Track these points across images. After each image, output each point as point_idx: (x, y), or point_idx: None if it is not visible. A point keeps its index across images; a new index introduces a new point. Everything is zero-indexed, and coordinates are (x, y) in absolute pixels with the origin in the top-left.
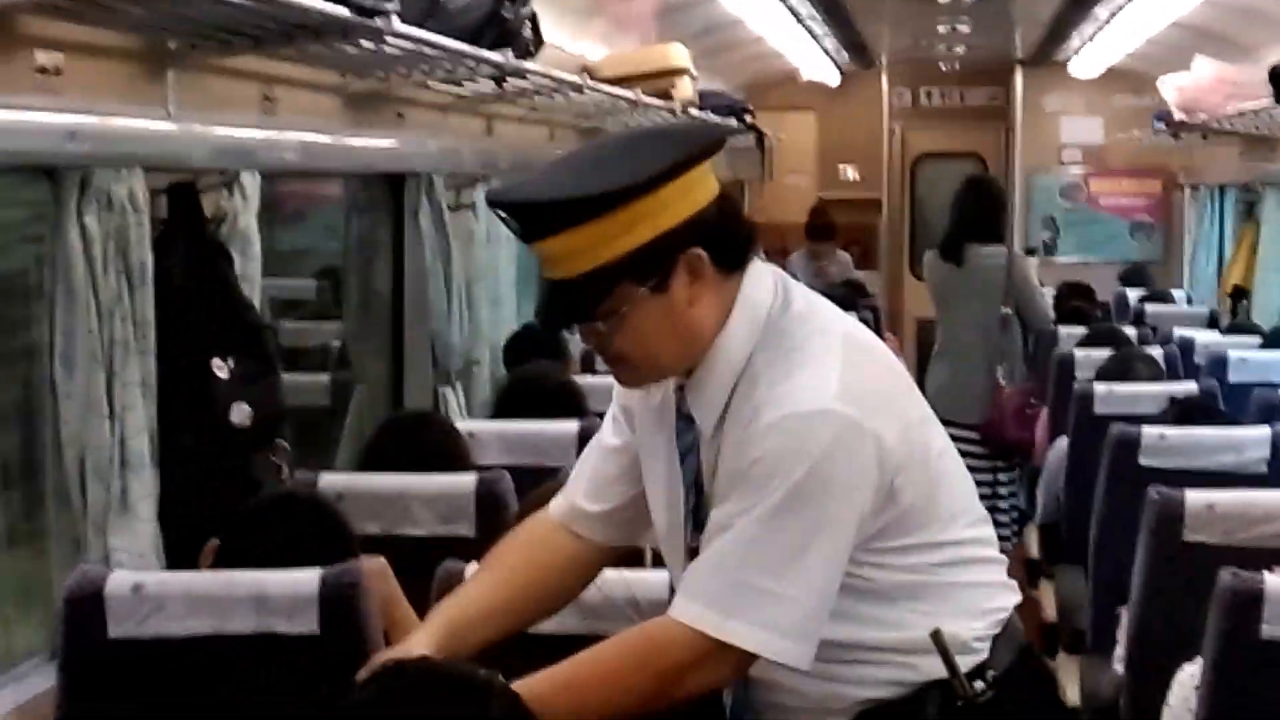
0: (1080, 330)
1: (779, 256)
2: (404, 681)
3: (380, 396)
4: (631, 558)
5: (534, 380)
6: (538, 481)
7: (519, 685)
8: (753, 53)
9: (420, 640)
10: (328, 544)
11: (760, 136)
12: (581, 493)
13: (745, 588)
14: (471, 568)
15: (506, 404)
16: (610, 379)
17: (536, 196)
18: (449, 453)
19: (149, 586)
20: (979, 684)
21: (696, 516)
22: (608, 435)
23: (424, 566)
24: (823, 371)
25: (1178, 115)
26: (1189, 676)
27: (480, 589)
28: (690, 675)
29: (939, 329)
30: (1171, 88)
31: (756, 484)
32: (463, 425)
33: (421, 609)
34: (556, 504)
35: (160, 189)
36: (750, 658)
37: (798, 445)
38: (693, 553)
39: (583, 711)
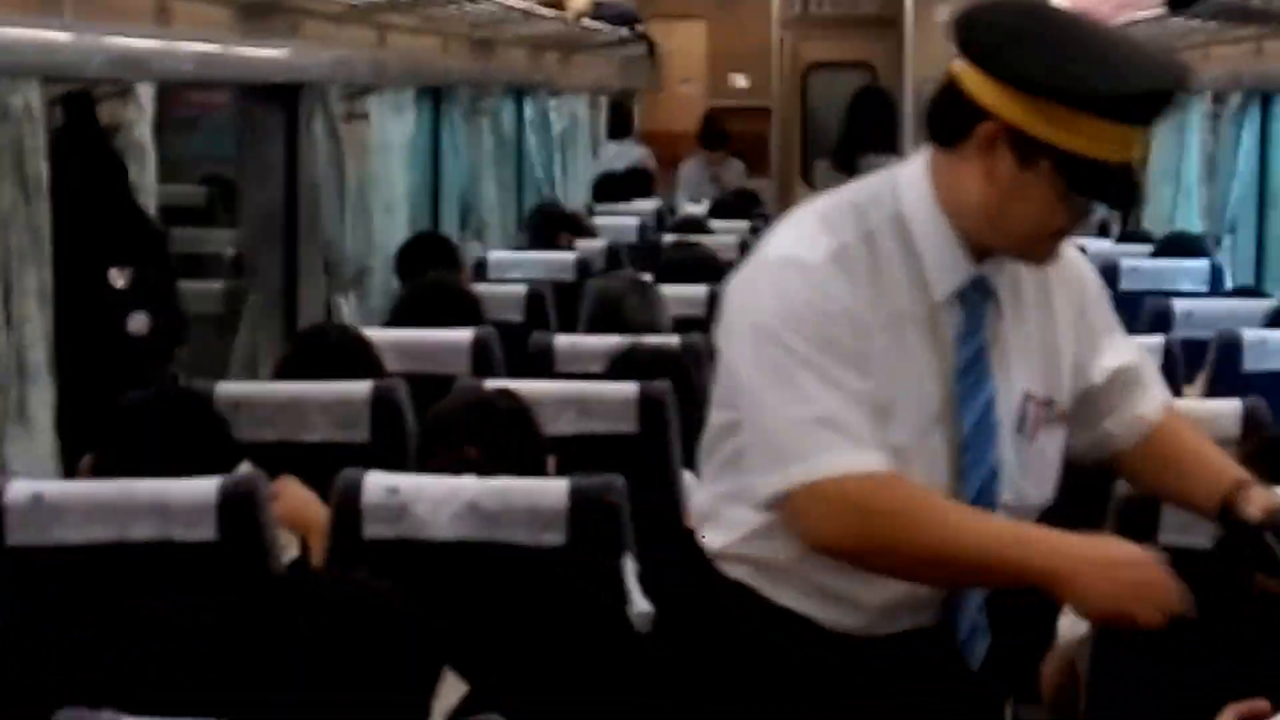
0: None
1: (669, 165)
2: (302, 593)
3: (274, 304)
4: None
5: (431, 288)
6: (433, 389)
7: None
8: None
9: None
10: (203, 444)
11: (650, 46)
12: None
13: None
14: (371, 475)
15: (403, 312)
16: (506, 288)
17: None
18: (364, 363)
19: (49, 495)
20: None
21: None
22: (847, 380)
23: (321, 473)
24: None
25: None
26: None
27: None
28: None
29: None
30: None
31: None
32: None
33: None
34: (864, 463)
35: (55, 99)
36: None
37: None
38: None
39: None
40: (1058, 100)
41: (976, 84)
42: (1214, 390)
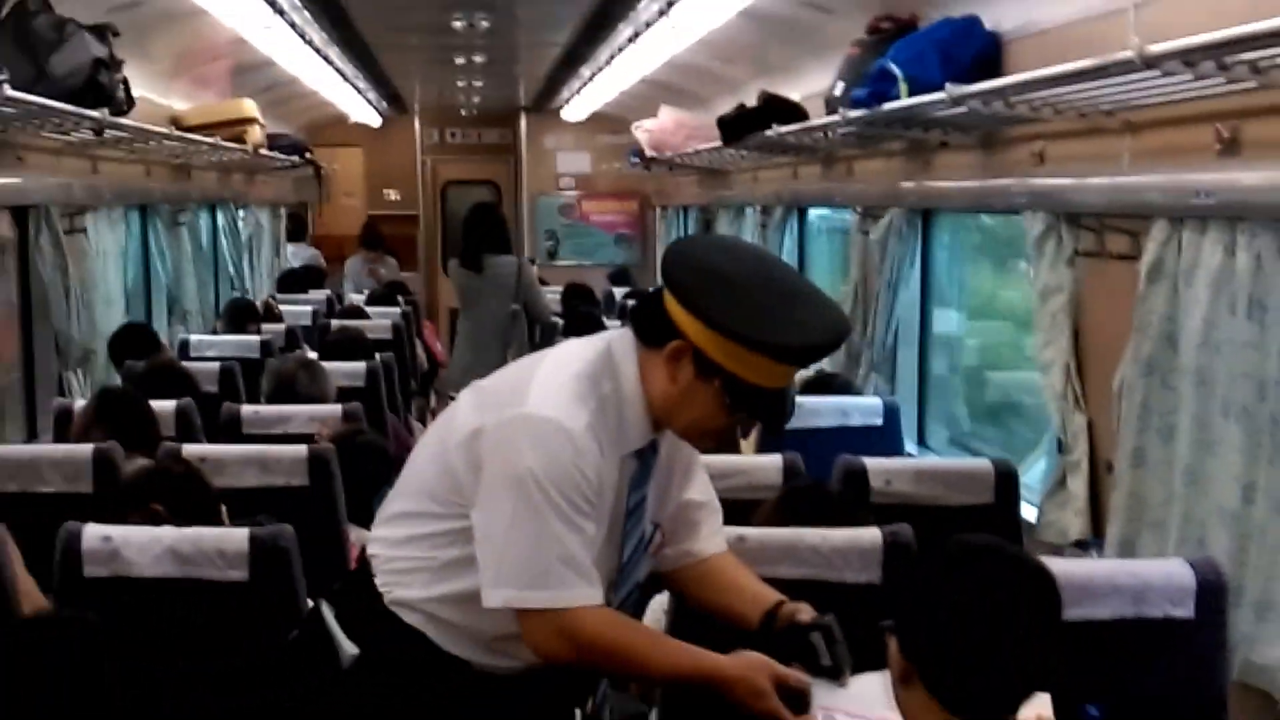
0: None
1: (337, 262)
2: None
3: (16, 379)
4: None
5: (156, 368)
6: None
7: None
8: (310, 102)
9: None
10: None
11: (317, 168)
12: (592, 583)
13: None
14: (89, 526)
15: (137, 386)
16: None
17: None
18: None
19: None
20: None
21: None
22: (586, 529)
23: (52, 522)
24: None
25: (649, 152)
26: (658, 604)
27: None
28: None
29: (462, 322)
30: (642, 130)
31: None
32: (82, 404)
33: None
34: (594, 597)
35: None
36: None
37: None
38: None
39: None
40: (735, 342)
41: (675, 310)
42: (764, 445)
